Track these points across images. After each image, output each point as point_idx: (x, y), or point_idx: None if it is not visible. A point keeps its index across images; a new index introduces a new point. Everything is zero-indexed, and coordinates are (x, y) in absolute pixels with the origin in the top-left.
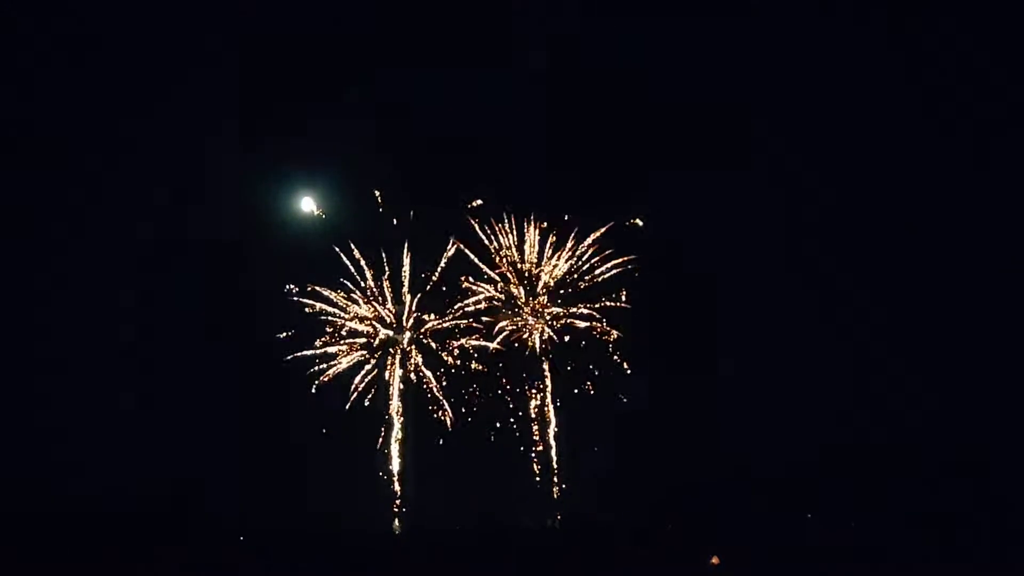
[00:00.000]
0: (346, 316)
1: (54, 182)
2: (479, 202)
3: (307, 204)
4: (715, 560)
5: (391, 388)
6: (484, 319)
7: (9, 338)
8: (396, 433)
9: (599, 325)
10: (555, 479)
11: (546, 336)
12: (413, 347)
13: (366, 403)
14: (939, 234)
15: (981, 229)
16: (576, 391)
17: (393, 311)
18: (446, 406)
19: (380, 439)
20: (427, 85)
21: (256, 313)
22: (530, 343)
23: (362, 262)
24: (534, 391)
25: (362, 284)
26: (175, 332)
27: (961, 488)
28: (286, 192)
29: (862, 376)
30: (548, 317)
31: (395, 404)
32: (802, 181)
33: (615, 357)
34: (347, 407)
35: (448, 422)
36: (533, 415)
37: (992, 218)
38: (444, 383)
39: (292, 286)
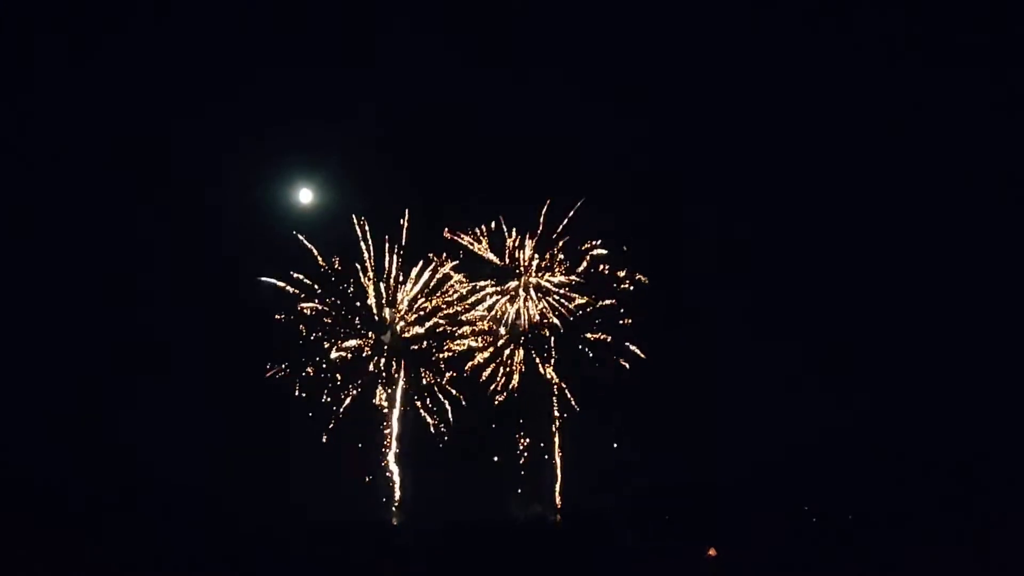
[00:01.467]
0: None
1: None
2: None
3: (304, 196)
4: (712, 552)
5: (385, 397)
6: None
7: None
8: (393, 433)
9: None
10: (556, 474)
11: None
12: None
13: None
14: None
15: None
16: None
17: (381, 320)
18: (435, 419)
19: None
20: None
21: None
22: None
23: (353, 277)
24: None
25: (350, 293)
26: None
27: (959, 485)
28: (277, 191)
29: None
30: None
31: (392, 411)
32: None
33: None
34: (341, 410)
35: (443, 431)
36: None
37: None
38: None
39: (280, 315)
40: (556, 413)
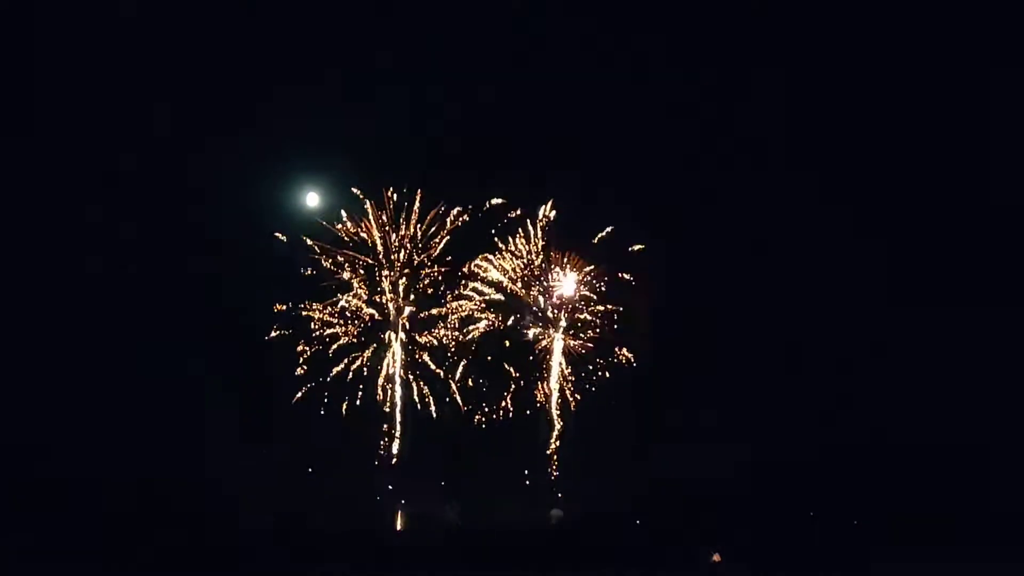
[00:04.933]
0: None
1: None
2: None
3: (311, 199)
4: (716, 558)
5: (391, 389)
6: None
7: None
8: (396, 430)
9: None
10: (555, 475)
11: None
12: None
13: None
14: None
15: None
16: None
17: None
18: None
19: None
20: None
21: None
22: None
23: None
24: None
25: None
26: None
27: (960, 488)
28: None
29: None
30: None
31: (396, 403)
32: None
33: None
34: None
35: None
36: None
37: None
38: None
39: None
40: (558, 418)
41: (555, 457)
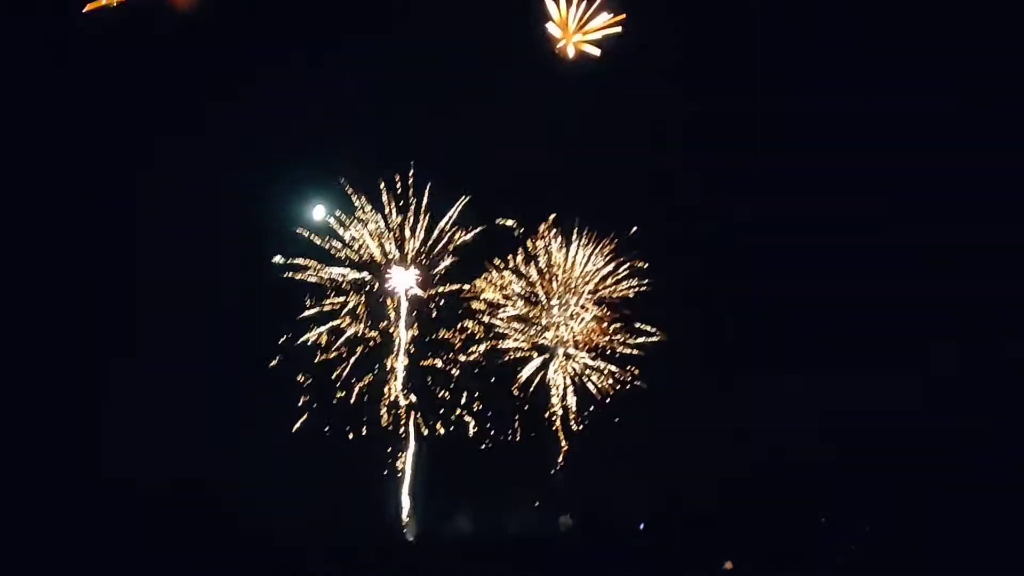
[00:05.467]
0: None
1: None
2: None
3: (318, 213)
4: (729, 565)
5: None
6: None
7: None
8: (401, 451)
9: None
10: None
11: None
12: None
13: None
14: None
15: None
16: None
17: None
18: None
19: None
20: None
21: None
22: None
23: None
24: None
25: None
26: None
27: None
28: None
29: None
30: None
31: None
32: None
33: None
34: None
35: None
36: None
37: None
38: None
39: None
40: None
41: (563, 474)
